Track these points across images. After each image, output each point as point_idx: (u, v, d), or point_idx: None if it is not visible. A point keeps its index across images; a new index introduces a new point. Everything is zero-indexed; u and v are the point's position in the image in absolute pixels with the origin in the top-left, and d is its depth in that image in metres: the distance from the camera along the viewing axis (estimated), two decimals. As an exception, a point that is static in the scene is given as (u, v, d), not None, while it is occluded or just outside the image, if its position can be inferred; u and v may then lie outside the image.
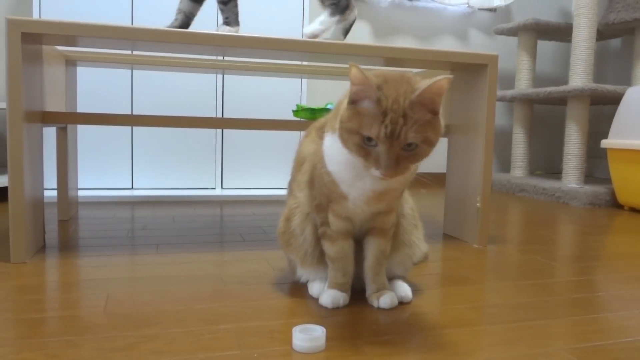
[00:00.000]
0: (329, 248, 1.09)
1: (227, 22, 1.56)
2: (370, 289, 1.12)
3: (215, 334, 0.95)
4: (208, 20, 2.58)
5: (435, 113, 0.91)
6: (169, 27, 1.54)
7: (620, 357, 0.91)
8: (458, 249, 1.69)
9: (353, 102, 0.92)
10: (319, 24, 1.60)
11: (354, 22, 1.72)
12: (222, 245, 1.66)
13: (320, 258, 1.13)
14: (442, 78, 0.87)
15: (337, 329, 0.99)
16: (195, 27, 1.59)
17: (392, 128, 0.87)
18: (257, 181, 2.75)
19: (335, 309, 1.09)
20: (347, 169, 0.98)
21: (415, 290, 1.25)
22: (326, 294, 1.10)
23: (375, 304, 1.11)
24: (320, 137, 1.07)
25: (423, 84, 0.88)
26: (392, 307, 1.10)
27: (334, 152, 0.98)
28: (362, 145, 0.90)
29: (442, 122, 0.94)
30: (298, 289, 1.22)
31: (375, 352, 0.90)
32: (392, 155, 0.88)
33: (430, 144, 0.91)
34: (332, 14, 1.62)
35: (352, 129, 0.91)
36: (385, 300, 1.10)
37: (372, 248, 1.10)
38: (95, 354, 0.85)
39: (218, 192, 2.68)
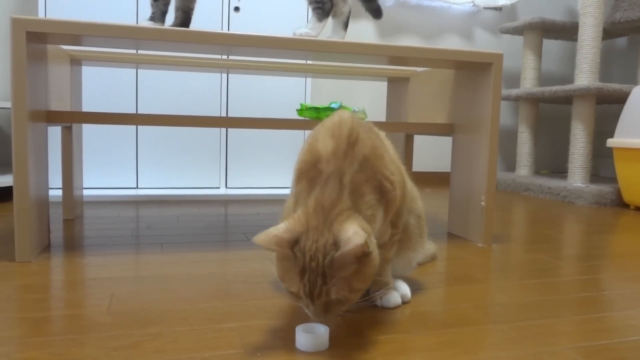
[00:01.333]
0: None
1: (152, 18, 1.55)
2: (371, 289, 1.11)
3: (219, 333, 0.95)
4: (212, 19, 2.59)
5: (363, 257, 0.83)
6: (170, 26, 1.54)
7: (625, 356, 0.90)
8: (462, 248, 1.68)
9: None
10: (309, 29, 1.60)
11: (349, 13, 1.73)
12: (226, 244, 1.66)
13: None
14: (362, 244, 0.79)
15: (341, 328, 0.99)
16: (200, 26, 1.59)
17: (310, 288, 0.83)
18: (262, 180, 2.75)
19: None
20: None
21: (419, 288, 1.25)
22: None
23: (378, 303, 1.10)
24: None
25: (344, 239, 0.81)
26: (396, 305, 1.10)
27: None
28: (290, 292, 0.88)
29: (375, 254, 0.86)
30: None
31: (379, 351, 0.89)
32: (317, 309, 0.85)
33: (358, 290, 0.85)
34: (319, 19, 1.62)
35: (280, 277, 0.88)
36: (388, 299, 1.10)
37: None
38: (100, 352, 0.85)
39: (222, 191, 2.68)
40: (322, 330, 0.91)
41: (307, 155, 0.95)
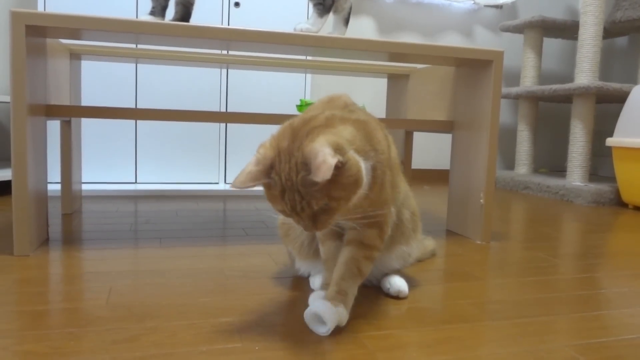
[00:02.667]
0: (321, 249, 1.08)
1: (152, 13, 1.55)
2: (329, 291, 1.02)
3: (218, 327, 0.95)
4: (212, 14, 2.58)
5: (337, 168, 0.83)
6: (170, 21, 1.54)
7: (623, 354, 0.91)
8: (461, 245, 1.69)
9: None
10: (310, 24, 1.60)
11: (350, 9, 1.72)
12: (225, 239, 1.66)
13: (317, 251, 1.12)
14: (327, 166, 0.78)
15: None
16: (200, 21, 1.59)
17: (291, 204, 0.86)
18: (261, 176, 2.75)
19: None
20: None
21: (417, 285, 1.25)
22: (316, 294, 1.06)
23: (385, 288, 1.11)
24: None
25: (312, 158, 0.81)
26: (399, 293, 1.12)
27: None
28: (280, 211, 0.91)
29: (354, 163, 0.86)
30: (300, 283, 1.22)
31: (376, 346, 0.89)
32: (305, 221, 0.88)
33: (339, 198, 0.86)
34: (320, 14, 1.62)
35: (267, 199, 0.91)
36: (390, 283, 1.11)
37: (345, 253, 1.01)
38: (98, 346, 0.85)
39: (221, 186, 2.68)
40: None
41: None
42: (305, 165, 0.82)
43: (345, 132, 0.89)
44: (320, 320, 0.94)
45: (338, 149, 0.83)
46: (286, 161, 0.85)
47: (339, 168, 0.83)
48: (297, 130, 0.87)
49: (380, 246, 1.03)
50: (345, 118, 0.93)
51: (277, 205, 0.89)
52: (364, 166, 0.89)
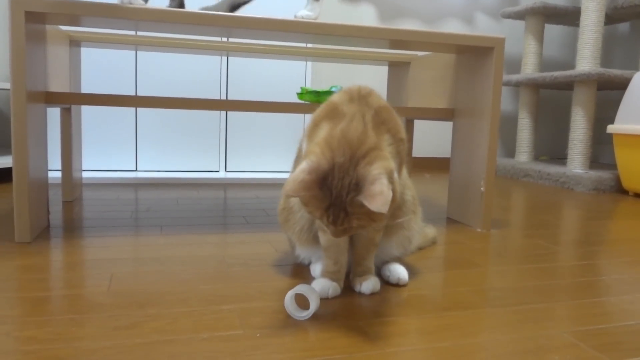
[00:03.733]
0: (321, 237, 1.08)
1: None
2: (354, 272, 1.12)
3: (218, 314, 0.95)
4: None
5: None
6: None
7: (622, 340, 0.91)
8: (461, 233, 1.69)
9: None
10: (308, 10, 1.59)
11: None
12: (226, 227, 1.66)
13: (316, 236, 1.13)
14: (383, 203, 0.81)
15: (339, 310, 0.99)
16: (199, 7, 1.58)
17: (334, 218, 0.88)
18: (261, 164, 2.75)
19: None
20: None
21: (418, 272, 1.25)
22: (315, 282, 1.07)
23: (357, 287, 1.10)
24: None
25: (367, 185, 0.83)
26: (374, 292, 1.09)
27: None
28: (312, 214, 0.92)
29: (398, 188, 0.90)
30: (300, 270, 1.22)
31: (377, 333, 0.90)
32: (338, 232, 0.90)
33: (378, 220, 0.89)
34: None
35: (302, 201, 0.90)
36: (367, 285, 1.09)
37: (361, 235, 1.08)
38: (99, 332, 0.86)
39: (222, 174, 2.68)
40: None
41: (323, 107, 1.01)
42: (358, 187, 0.85)
43: (390, 155, 0.94)
44: (300, 303, 0.96)
45: (390, 178, 0.86)
46: (340, 178, 0.86)
47: None
48: (354, 147, 0.88)
49: (387, 214, 1.06)
50: (386, 132, 0.97)
51: (317, 212, 0.89)
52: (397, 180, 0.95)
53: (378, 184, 0.83)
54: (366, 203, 0.82)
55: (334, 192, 0.86)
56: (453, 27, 3.71)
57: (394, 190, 0.88)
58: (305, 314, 0.94)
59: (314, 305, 0.94)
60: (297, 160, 1.20)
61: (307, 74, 2.76)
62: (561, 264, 1.38)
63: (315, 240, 1.14)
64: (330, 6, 3.44)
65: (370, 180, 0.84)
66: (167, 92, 2.58)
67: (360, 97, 1.00)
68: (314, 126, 1.00)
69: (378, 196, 0.81)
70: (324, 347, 0.84)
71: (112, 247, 1.38)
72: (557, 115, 4.08)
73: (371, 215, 0.87)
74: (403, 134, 1.02)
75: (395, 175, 0.92)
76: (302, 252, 1.21)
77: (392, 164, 0.90)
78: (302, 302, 0.97)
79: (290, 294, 0.95)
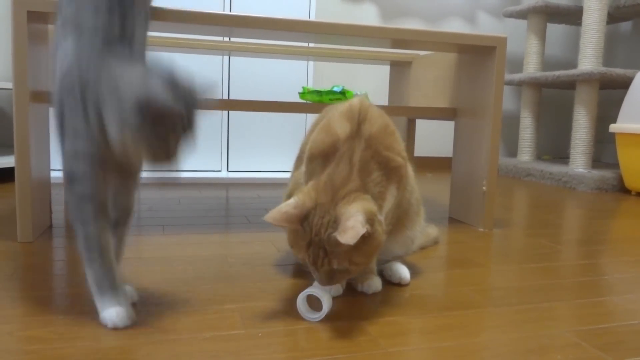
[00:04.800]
0: None
1: None
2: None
3: (220, 314, 0.95)
4: (213, 0, 2.57)
5: (365, 237, 0.87)
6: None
7: (625, 340, 0.91)
8: (463, 232, 1.69)
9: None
10: None
11: None
12: (228, 227, 1.66)
13: None
14: (347, 239, 0.81)
15: (341, 309, 0.99)
16: (201, 7, 1.58)
17: (314, 258, 0.89)
18: (263, 164, 2.75)
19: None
20: None
21: (420, 272, 1.25)
22: (317, 282, 1.08)
23: (359, 287, 1.10)
24: None
25: (342, 223, 0.84)
26: (375, 292, 1.09)
27: None
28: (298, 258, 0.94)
29: (379, 232, 0.90)
30: (302, 270, 1.22)
31: (379, 332, 0.90)
32: (322, 276, 0.91)
33: (359, 264, 0.90)
34: None
35: (289, 243, 0.94)
36: (369, 285, 1.09)
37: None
38: (101, 331, 0.86)
39: (224, 174, 2.68)
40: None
41: (322, 135, 0.99)
42: (336, 224, 0.86)
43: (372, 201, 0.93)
44: (313, 305, 0.96)
45: (370, 219, 0.87)
46: (320, 216, 0.88)
47: (365, 237, 0.86)
48: (337, 189, 0.91)
49: (367, 260, 1.08)
50: (376, 169, 0.96)
51: (299, 253, 0.92)
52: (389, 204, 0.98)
53: (352, 220, 0.84)
54: (338, 237, 0.83)
55: (313, 230, 0.88)
56: (455, 26, 3.70)
57: (376, 232, 0.89)
58: (317, 316, 0.94)
59: (326, 306, 0.94)
60: (298, 160, 1.20)
61: (309, 74, 2.76)
62: (564, 264, 1.38)
63: None
64: (333, 5, 3.44)
65: (346, 216, 0.86)
66: (169, 91, 2.58)
67: (358, 124, 0.98)
68: (311, 156, 1.00)
69: (349, 230, 0.83)
70: (326, 346, 0.84)
71: (114, 246, 1.37)
72: (559, 114, 4.07)
73: (350, 257, 0.88)
74: (398, 154, 0.99)
75: (381, 217, 0.92)
76: None
77: (372, 207, 0.90)
78: (313, 303, 0.97)
79: (302, 296, 0.95)
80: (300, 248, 0.91)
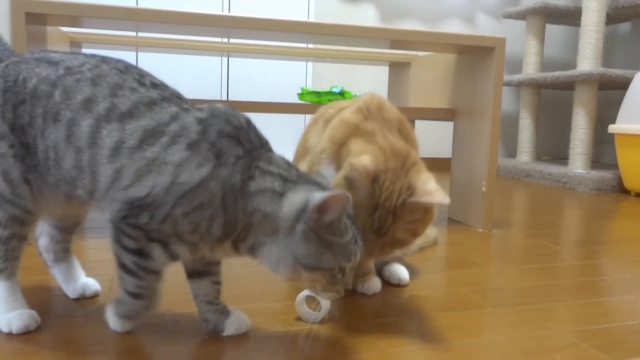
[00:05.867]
0: None
1: None
2: (355, 273, 1.10)
3: (219, 315, 0.95)
4: (213, 1, 2.57)
5: (429, 210, 0.89)
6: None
7: (624, 340, 0.91)
8: (463, 233, 1.69)
9: (349, 179, 0.89)
10: None
11: None
12: (227, 228, 1.66)
13: None
14: (439, 201, 0.84)
15: (340, 311, 0.99)
16: (200, 8, 1.58)
17: (379, 224, 0.87)
18: (262, 165, 2.74)
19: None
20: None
21: (419, 273, 1.25)
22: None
23: (358, 288, 1.09)
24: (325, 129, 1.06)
25: (420, 189, 0.86)
26: (375, 293, 1.09)
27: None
28: None
29: (435, 209, 0.91)
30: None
31: (379, 333, 0.90)
32: (376, 245, 0.89)
33: (417, 235, 0.91)
34: None
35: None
36: (369, 285, 1.09)
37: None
38: (100, 333, 0.86)
39: (223, 175, 2.67)
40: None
41: (340, 126, 0.98)
42: (409, 191, 0.86)
43: None
44: (312, 306, 0.95)
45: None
46: (392, 181, 0.87)
47: (427, 209, 0.88)
48: (403, 158, 0.90)
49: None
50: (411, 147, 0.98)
51: (359, 218, 0.87)
52: None
53: (431, 184, 0.86)
54: (424, 199, 0.84)
55: (384, 194, 0.86)
56: (454, 27, 3.71)
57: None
58: (316, 317, 0.93)
59: (325, 307, 0.93)
60: (297, 159, 1.20)
61: (308, 75, 2.76)
62: (563, 264, 1.38)
63: None
64: (332, 6, 3.44)
65: (422, 181, 0.86)
66: (168, 93, 2.58)
67: (375, 111, 0.99)
68: (340, 145, 0.97)
69: (435, 192, 0.84)
70: (325, 347, 0.84)
71: (113, 248, 1.37)
72: (558, 115, 4.07)
73: (415, 226, 0.88)
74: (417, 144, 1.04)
75: None
76: None
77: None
78: (312, 304, 0.96)
79: (301, 297, 0.95)
80: (361, 212, 0.87)
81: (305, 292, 0.95)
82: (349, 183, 0.88)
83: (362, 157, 0.87)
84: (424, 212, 0.88)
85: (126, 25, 1.52)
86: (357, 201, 0.87)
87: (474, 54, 1.79)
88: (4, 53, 0.88)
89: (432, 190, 0.85)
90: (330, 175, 0.95)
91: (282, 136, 2.75)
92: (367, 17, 3.51)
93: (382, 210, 0.86)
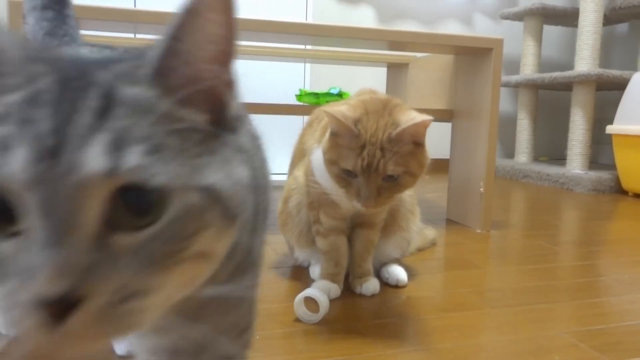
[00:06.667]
0: (321, 243, 1.09)
1: None
2: (354, 273, 1.12)
3: (218, 317, 0.95)
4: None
5: (419, 144, 0.90)
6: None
7: (622, 340, 0.91)
8: (461, 234, 1.69)
9: (333, 133, 0.91)
10: None
11: None
12: (225, 229, 1.66)
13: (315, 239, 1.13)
14: (423, 120, 0.86)
15: (338, 312, 0.99)
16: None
17: (369, 160, 0.87)
18: (261, 166, 2.74)
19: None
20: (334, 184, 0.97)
21: (417, 274, 1.25)
22: (315, 284, 1.07)
23: (357, 289, 1.10)
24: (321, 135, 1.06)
25: (404, 120, 0.88)
26: (374, 294, 1.09)
27: (322, 167, 0.97)
28: (341, 176, 0.90)
29: (427, 152, 0.93)
30: (299, 272, 1.22)
31: (376, 334, 0.90)
32: (371, 188, 0.88)
33: (413, 175, 0.90)
34: None
35: (331, 160, 0.91)
36: (367, 286, 1.09)
37: (360, 237, 1.10)
38: (99, 335, 0.85)
39: (221, 177, 2.67)
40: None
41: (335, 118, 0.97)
42: (394, 125, 0.87)
43: None
44: (310, 307, 0.95)
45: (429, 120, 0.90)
46: (375, 120, 0.88)
47: (420, 146, 0.89)
48: (385, 102, 0.93)
49: (382, 222, 1.12)
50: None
51: (349, 162, 0.88)
52: None
53: (414, 113, 0.88)
54: (408, 124, 0.85)
55: (369, 132, 0.87)
56: (452, 28, 3.71)
57: (426, 149, 0.92)
58: (315, 318, 0.94)
59: (323, 308, 0.94)
60: (294, 162, 1.20)
61: (306, 76, 2.76)
62: (561, 265, 1.38)
63: (313, 242, 1.14)
64: (329, 8, 3.44)
65: (406, 115, 0.89)
66: (166, 94, 2.58)
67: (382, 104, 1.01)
68: (326, 129, 0.99)
69: (418, 116, 0.86)
70: (324, 349, 0.84)
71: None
72: (556, 116, 4.08)
73: (408, 162, 0.88)
74: None
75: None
76: (301, 255, 1.21)
77: None
78: (310, 305, 0.97)
79: (299, 298, 0.95)
80: (349, 156, 0.88)
81: (304, 293, 0.95)
82: (333, 136, 0.90)
83: (338, 108, 0.91)
84: (414, 146, 0.89)
85: (124, 27, 1.52)
86: (345, 146, 0.89)
87: (471, 55, 1.79)
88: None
89: (414, 116, 0.87)
90: (321, 158, 0.96)
91: (281, 137, 2.75)
92: (364, 18, 3.51)
93: (369, 147, 0.87)
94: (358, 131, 0.87)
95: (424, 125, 0.87)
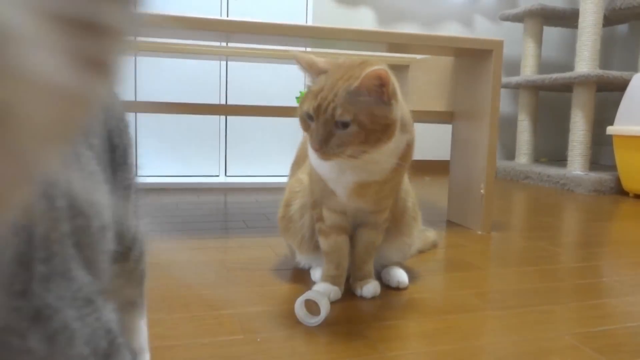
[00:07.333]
0: (323, 243, 1.09)
1: None
2: (355, 276, 1.12)
3: (219, 319, 0.95)
4: (211, 5, 2.57)
5: (384, 102, 0.90)
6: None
7: (624, 342, 0.91)
8: (462, 236, 1.69)
9: (307, 84, 0.96)
10: None
11: None
12: (226, 232, 1.66)
13: (317, 245, 1.13)
14: (372, 71, 0.86)
15: (339, 314, 0.99)
16: (199, 12, 1.58)
17: (320, 102, 0.89)
18: (261, 168, 2.75)
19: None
20: (327, 164, 0.98)
21: (418, 276, 1.25)
22: (316, 286, 1.08)
23: (358, 291, 1.10)
24: None
25: (364, 73, 0.89)
26: (375, 296, 1.09)
27: None
28: (304, 118, 0.93)
29: (397, 113, 0.93)
30: (300, 275, 1.22)
31: (378, 336, 0.90)
32: (321, 131, 0.89)
33: (364, 126, 0.88)
34: None
35: (300, 106, 0.95)
36: (368, 289, 1.09)
37: (362, 238, 1.10)
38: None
39: (222, 179, 2.68)
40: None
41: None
42: (355, 79, 0.88)
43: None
44: (311, 310, 0.95)
45: (393, 84, 0.91)
46: (343, 72, 0.91)
47: (383, 103, 0.89)
48: (363, 61, 0.94)
49: (385, 224, 1.11)
50: None
51: (305, 104, 0.92)
52: (399, 125, 0.94)
53: (377, 66, 0.87)
54: (363, 72, 0.86)
55: (329, 81, 0.90)
56: (452, 30, 3.71)
57: (394, 107, 0.92)
58: (315, 320, 0.94)
59: (324, 311, 0.94)
60: (296, 164, 1.21)
61: (306, 78, 2.76)
62: (562, 266, 1.38)
63: (316, 248, 1.14)
64: (330, 10, 3.44)
65: (371, 65, 0.89)
66: (167, 97, 2.58)
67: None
68: None
69: (369, 67, 0.87)
70: (325, 351, 0.84)
71: (112, 252, 1.37)
72: (556, 117, 4.08)
73: (358, 113, 0.88)
74: (413, 130, 1.09)
75: (402, 101, 0.97)
76: (303, 260, 1.21)
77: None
78: (311, 307, 0.97)
79: (300, 300, 0.95)
80: (309, 98, 0.91)
81: (305, 296, 0.95)
82: (307, 88, 0.95)
83: (310, 55, 0.95)
84: (375, 101, 0.89)
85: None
86: (310, 89, 0.93)
87: (472, 57, 1.79)
88: None
89: (372, 67, 0.87)
90: None
91: (281, 139, 2.76)
92: (365, 20, 3.52)
93: (325, 92, 0.89)
94: (320, 77, 0.92)
95: (371, 76, 0.86)
